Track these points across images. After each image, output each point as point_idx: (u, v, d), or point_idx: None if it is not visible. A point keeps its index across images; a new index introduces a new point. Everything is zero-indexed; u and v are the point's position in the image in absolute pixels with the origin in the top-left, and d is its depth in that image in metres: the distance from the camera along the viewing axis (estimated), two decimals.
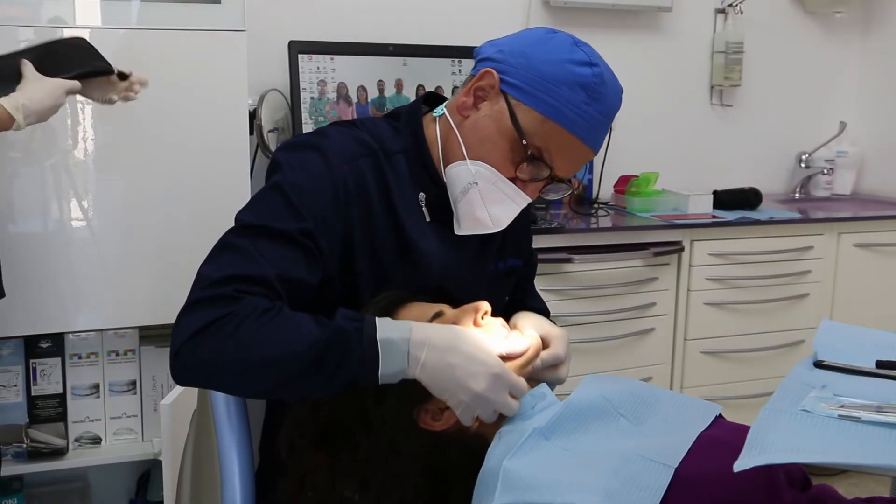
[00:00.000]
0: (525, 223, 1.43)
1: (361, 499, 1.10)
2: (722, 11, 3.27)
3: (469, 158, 1.22)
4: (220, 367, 1.05)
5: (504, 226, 1.25)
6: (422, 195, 1.26)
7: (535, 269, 1.50)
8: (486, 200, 1.22)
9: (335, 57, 2.60)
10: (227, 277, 1.08)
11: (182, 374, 1.07)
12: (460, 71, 2.76)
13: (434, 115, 1.29)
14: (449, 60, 2.75)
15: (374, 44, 2.67)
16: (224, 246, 1.14)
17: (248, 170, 2.28)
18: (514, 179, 1.22)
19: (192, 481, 1.44)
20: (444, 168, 1.25)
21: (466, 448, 1.12)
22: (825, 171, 3.42)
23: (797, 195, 3.42)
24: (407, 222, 1.23)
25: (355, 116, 2.61)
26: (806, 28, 3.44)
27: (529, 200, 1.24)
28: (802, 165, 3.45)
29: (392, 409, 1.10)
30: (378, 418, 1.10)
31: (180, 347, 1.05)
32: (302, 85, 2.55)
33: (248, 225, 1.14)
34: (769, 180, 3.42)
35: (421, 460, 1.11)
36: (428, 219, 1.27)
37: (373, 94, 2.65)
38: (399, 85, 2.69)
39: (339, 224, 1.19)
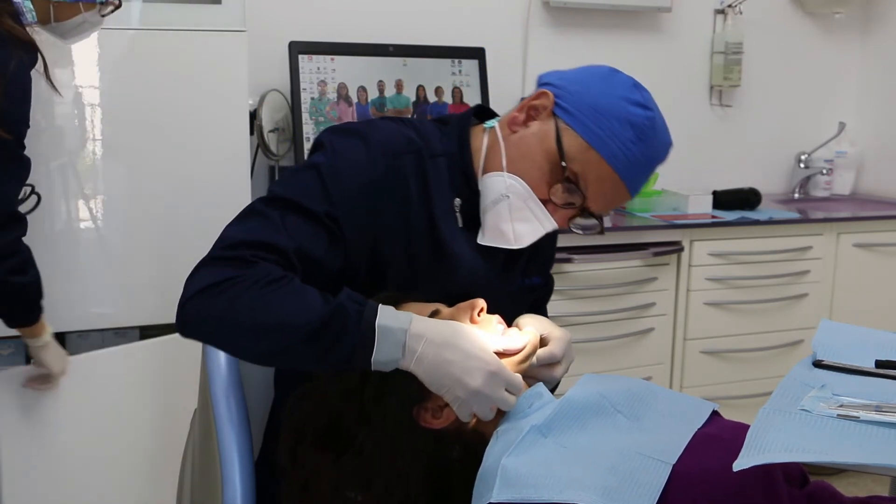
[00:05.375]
0: (552, 246, 1.44)
1: (364, 499, 1.11)
2: (721, 12, 3.27)
3: (507, 171, 1.23)
4: (221, 324, 1.08)
5: (525, 245, 1.25)
6: (457, 200, 1.27)
7: (551, 293, 1.50)
8: (513, 216, 1.23)
9: (335, 57, 2.60)
10: (247, 241, 1.11)
11: (185, 326, 1.10)
12: (460, 71, 2.77)
13: (485, 126, 1.30)
14: (449, 61, 2.76)
15: (374, 44, 2.68)
16: (252, 212, 1.17)
17: (249, 170, 2.28)
18: (546, 203, 1.23)
19: (192, 481, 1.44)
20: (482, 177, 1.26)
21: (467, 447, 1.13)
22: (824, 172, 3.42)
23: (796, 195, 3.43)
24: (441, 224, 1.24)
25: (355, 117, 2.61)
26: (805, 28, 3.44)
27: (556, 227, 1.24)
28: (802, 166, 3.45)
29: (392, 408, 1.11)
30: (378, 418, 1.11)
31: (189, 299, 1.09)
32: (302, 85, 2.56)
33: (279, 197, 1.17)
34: (768, 180, 3.42)
35: (422, 460, 1.11)
36: (461, 224, 1.27)
37: (373, 94, 2.65)
38: (399, 85, 2.69)
39: (370, 217, 1.19)
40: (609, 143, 1.18)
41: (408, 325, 1.08)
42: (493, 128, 1.28)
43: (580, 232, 1.29)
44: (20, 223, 1.76)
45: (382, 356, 1.07)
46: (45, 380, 2.00)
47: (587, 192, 1.21)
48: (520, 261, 1.34)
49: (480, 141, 1.28)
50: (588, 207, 1.23)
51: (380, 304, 1.10)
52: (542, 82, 1.27)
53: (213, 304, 1.07)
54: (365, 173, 1.19)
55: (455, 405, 1.09)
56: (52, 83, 1.79)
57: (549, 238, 1.34)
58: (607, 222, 2.75)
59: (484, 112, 1.36)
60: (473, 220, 1.28)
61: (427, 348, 1.07)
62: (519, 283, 1.37)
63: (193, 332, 1.12)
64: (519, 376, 1.13)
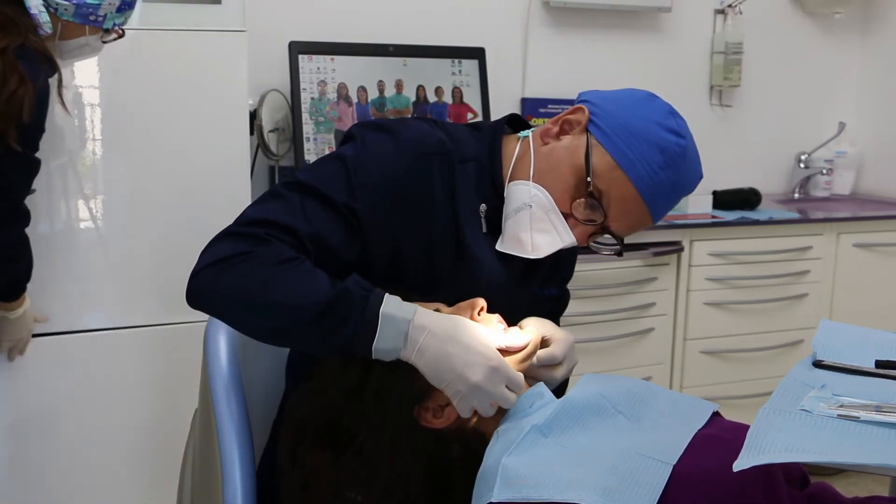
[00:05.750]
0: (573, 260, 1.44)
1: (364, 499, 1.11)
2: (721, 12, 3.27)
3: (533, 181, 1.23)
4: (229, 298, 1.11)
5: (542, 256, 1.25)
6: (483, 206, 1.27)
7: (566, 307, 1.50)
8: (533, 226, 1.23)
9: (335, 57, 2.60)
10: (264, 220, 1.14)
11: (194, 297, 1.13)
12: (460, 71, 2.77)
13: (519, 135, 1.30)
14: (449, 61, 2.76)
15: (374, 44, 2.68)
16: (274, 194, 1.19)
17: (249, 170, 2.28)
18: (568, 217, 1.23)
19: (192, 481, 1.44)
20: (508, 184, 1.27)
21: (467, 447, 1.13)
22: (824, 172, 3.42)
23: (796, 195, 3.43)
24: (465, 228, 1.24)
25: (355, 117, 2.61)
26: (805, 28, 3.44)
27: (575, 242, 1.24)
28: (802, 166, 3.45)
29: (392, 407, 1.11)
30: (379, 417, 1.11)
31: (200, 270, 1.12)
32: (302, 85, 2.56)
33: (302, 182, 1.18)
34: (768, 180, 3.42)
35: (422, 460, 1.11)
36: (485, 230, 1.28)
37: (373, 94, 2.65)
38: (399, 85, 2.69)
39: (391, 213, 1.20)
40: (637, 164, 1.19)
41: (411, 316, 1.09)
42: (526, 137, 1.29)
43: (605, 253, 1.28)
44: (25, 219, 1.86)
45: (384, 344, 1.08)
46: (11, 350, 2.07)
47: (609, 210, 1.21)
48: (539, 270, 1.34)
49: (512, 149, 1.29)
50: (608, 226, 1.23)
51: (386, 293, 1.10)
52: (581, 99, 1.27)
53: (223, 276, 1.10)
54: (390, 169, 1.20)
55: (455, 400, 1.09)
56: (63, 102, 1.85)
57: (571, 252, 1.34)
58: None
59: (518, 122, 1.36)
60: (497, 227, 1.28)
61: (429, 340, 1.08)
62: (537, 293, 1.37)
63: (201, 303, 1.14)
64: (520, 374, 1.13)
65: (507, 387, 1.10)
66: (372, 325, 1.07)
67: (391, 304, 1.09)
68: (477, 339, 1.10)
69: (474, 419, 1.13)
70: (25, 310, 1.99)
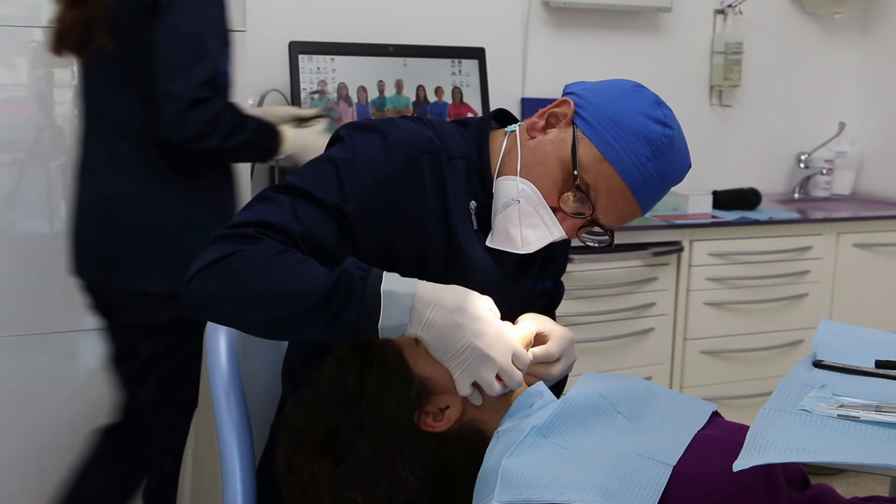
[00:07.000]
0: (565, 252, 1.44)
1: (364, 500, 1.11)
2: (721, 12, 3.27)
3: (520, 176, 1.23)
4: (226, 297, 1.09)
5: (532, 250, 1.25)
6: (473, 203, 1.27)
7: (560, 299, 1.50)
8: (522, 221, 1.23)
9: (335, 57, 2.60)
10: (253, 221, 1.13)
11: (190, 304, 1.11)
12: (460, 71, 2.77)
13: (506, 130, 1.30)
14: (449, 61, 2.76)
15: (374, 44, 2.68)
16: (263, 197, 1.18)
17: (249, 169, 2.28)
18: (556, 210, 1.22)
19: (192, 481, 1.44)
20: (496, 180, 1.26)
21: (468, 448, 1.13)
22: (824, 172, 3.42)
23: (796, 195, 3.43)
24: (457, 227, 1.24)
25: (355, 117, 2.61)
26: (805, 29, 3.44)
27: (564, 236, 1.24)
28: (802, 166, 3.45)
29: (391, 413, 1.10)
30: (377, 424, 1.10)
31: (193, 275, 1.10)
32: (302, 85, 2.56)
33: (291, 185, 1.18)
34: (768, 180, 3.42)
35: (423, 463, 1.11)
36: (475, 227, 1.27)
37: (373, 94, 2.65)
38: (399, 85, 2.69)
39: (382, 214, 1.19)
40: (624, 156, 1.18)
41: (414, 290, 1.08)
42: (513, 132, 1.28)
43: (591, 244, 1.28)
44: (207, 104, 1.73)
45: (389, 322, 1.07)
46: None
47: (597, 203, 1.20)
48: (532, 265, 1.34)
49: (499, 144, 1.28)
50: (597, 219, 1.22)
51: (384, 271, 1.10)
52: (567, 91, 1.27)
53: (217, 278, 1.08)
54: (380, 170, 1.19)
55: (459, 371, 1.09)
56: None
57: (563, 245, 1.34)
58: None
59: (505, 116, 1.36)
60: (487, 224, 1.28)
61: (438, 313, 1.08)
62: (531, 288, 1.37)
63: (198, 310, 1.13)
64: (523, 350, 1.13)
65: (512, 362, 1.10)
66: (375, 306, 1.07)
67: (391, 281, 1.09)
68: (481, 309, 1.11)
69: (472, 413, 1.12)
70: (296, 134, 1.98)
